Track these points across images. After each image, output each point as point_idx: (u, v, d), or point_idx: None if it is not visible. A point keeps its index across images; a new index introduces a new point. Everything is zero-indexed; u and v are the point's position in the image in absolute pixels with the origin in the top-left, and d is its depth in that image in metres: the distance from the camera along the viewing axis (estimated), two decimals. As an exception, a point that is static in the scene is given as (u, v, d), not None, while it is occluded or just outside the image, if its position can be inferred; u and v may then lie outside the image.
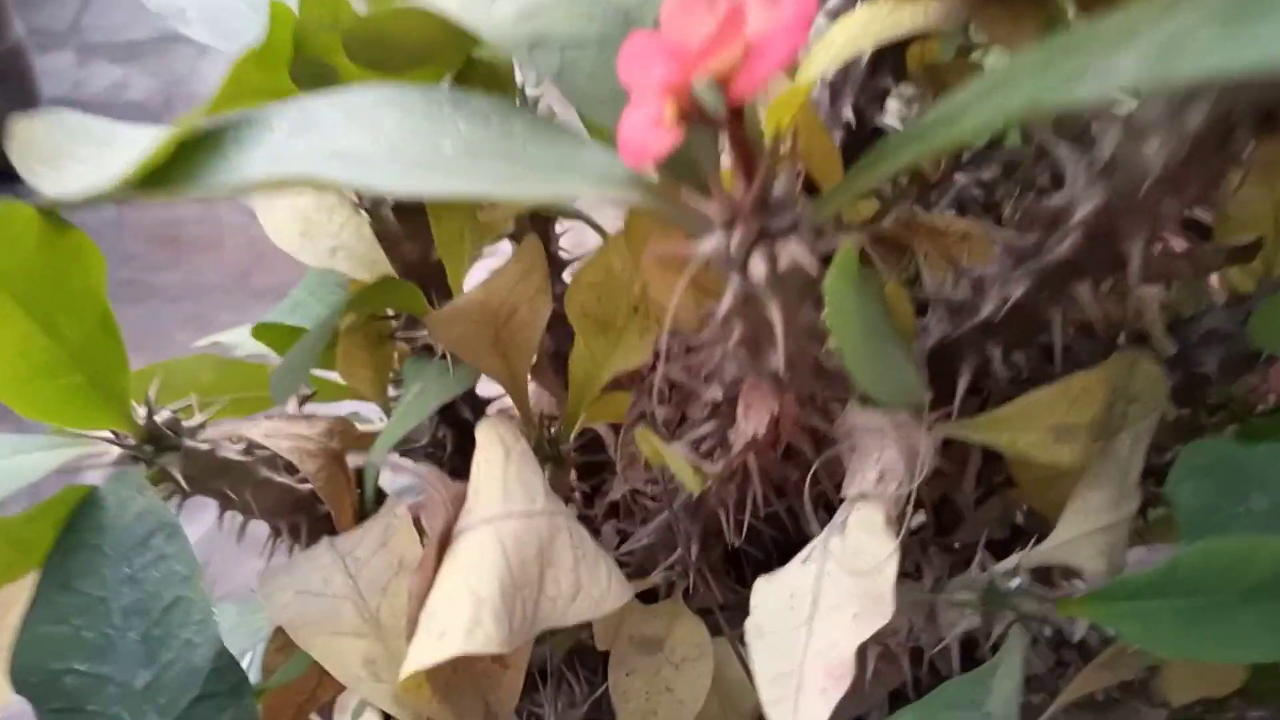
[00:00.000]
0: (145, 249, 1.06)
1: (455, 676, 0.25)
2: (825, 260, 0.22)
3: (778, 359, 0.23)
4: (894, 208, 0.38)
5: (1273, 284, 0.34)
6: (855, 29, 0.28)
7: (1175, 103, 0.22)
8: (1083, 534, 0.29)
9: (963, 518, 0.38)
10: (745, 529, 0.31)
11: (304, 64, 0.30)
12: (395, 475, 0.48)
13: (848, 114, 0.36)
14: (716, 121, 0.20)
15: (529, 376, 0.45)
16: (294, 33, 0.28)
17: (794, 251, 0.21)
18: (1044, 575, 0.32)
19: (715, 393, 0.25)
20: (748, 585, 0.39)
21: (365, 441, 0.40)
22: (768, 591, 0.23)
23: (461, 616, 0.23)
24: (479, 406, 0.43)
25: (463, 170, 0.22)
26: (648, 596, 0.36)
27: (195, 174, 0.23)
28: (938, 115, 0.20)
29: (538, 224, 0.46)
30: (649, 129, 0.21)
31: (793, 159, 0.21)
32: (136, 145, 0.23)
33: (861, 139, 0.37)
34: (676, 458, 0.24)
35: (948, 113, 0.20)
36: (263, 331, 0.43)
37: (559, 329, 0.43)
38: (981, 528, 0.38)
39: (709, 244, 0.22)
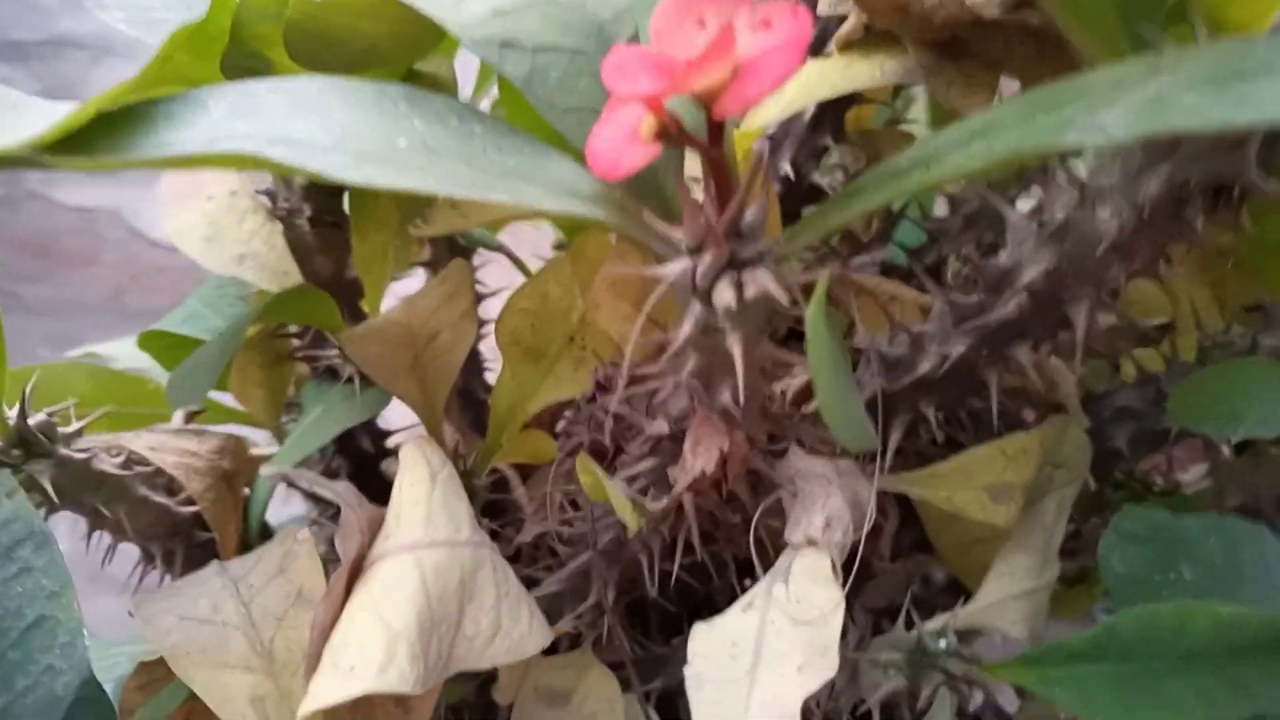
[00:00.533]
0: (13, 258, 0.99)
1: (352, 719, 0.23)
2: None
3: (733, 393, 0.22)
4: (827, 263, 0.38)
5: (1183, 366, 0.35)
6: (810, 80, 0.28)
7: (1132, 170, 0.23)
8: (1007, 597, 0.29)
9: (873, 578, 0.38)
10: (665, 578, 0.29)
11: (237, 55, 0.28)
12: (285, 505, 0.45)
13: (786, 168, 0.36)
14: (695, 142, 0.20)
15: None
16: (233, 18, 0.26)
17: (763, 281, 0.20)
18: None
19: (660, 427, 0.24)
20: (654, 640, 0.37)
21: (256, 465, 0.37)
22: (708, 639, 0.22)
23: (374, 652, 0.21)
24: (379, 438, 0.41)
25: (420, 167, 0.20)
26: (549, 649, 0.34)
27: (120, 144, 0.21)
28: (916, 156, 0.20)
29: (456, 251, 0.44)
30: (624, 142, 0.20)
31: (765, 190, 0.20)
32: (51, 113, 0.21)
33: (798, 193, 0.37)
34: (617, 492, 0.23)
35: (928, 154, 0.20)
36: (150, 340, 0.39)
37: (467, 365, 0.42)
38: (893, 591, 0.38)
39: (674, 268, 0.21)
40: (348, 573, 0.22)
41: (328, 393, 0.36)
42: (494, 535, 0.40)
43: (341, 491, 0.23)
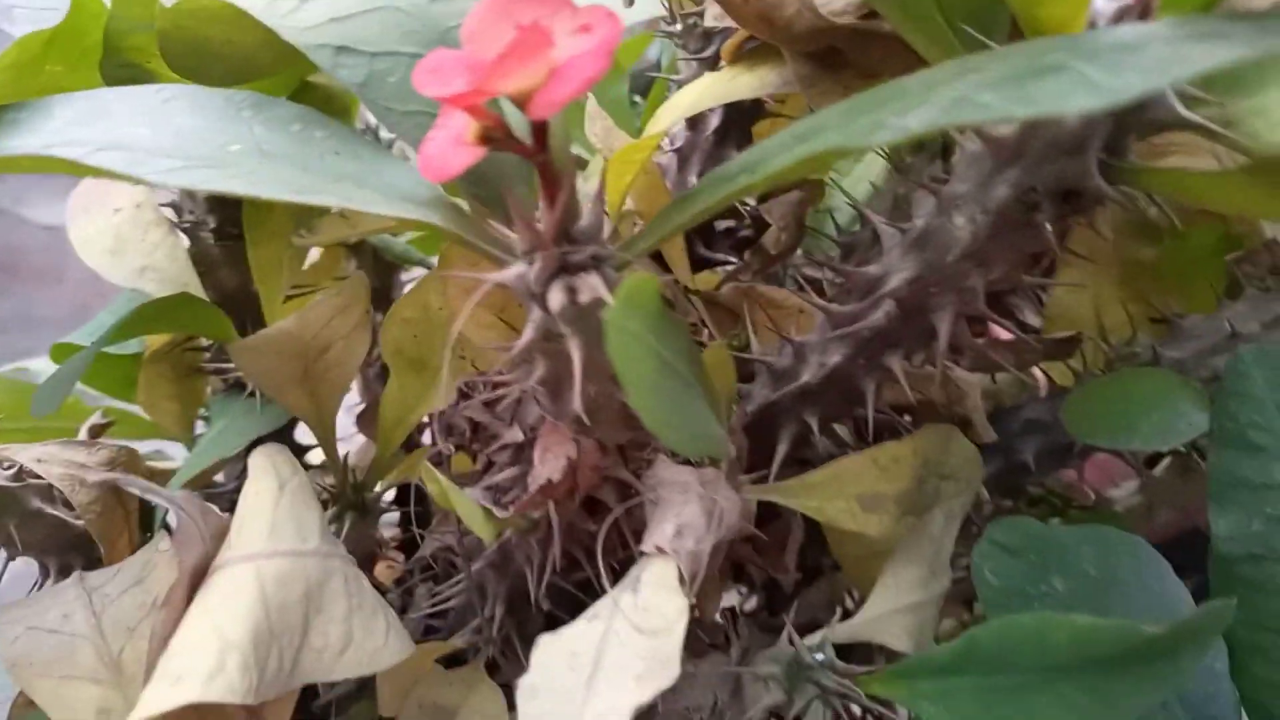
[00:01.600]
0: (-22, 274, 0.99)
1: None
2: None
3: (577, 400, 0.22)
4: (735, 279, 0.38)
5: (1091, 379, 0.35)
6: (699, 91, 0.29)
7: (984, 176, 0.23)
8: (891, 611, 0.28)
9: (792, 599, 0.37)
10: (554, 591, 0.29)
11: (115, 66, 0.28)
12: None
13: (693, 180, 0.36)
14: (519, 146, 0.20)
15: (356, 426, 0.43)
16: (105, 30, 0.26)
17: (594, 286, 0.20)
18: (866, 654, 0.32)
19: (516, 434, 0.24)
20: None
21: (160, 478, 0.37)
22: (549, 649, 0.21)
23: (204, 660, 0.20)
24: (298, 452, 0.41)
25: (248, 171, 0.20)
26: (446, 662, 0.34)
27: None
28: (747, 160, 0.20)
29: (380, 267, 0.44)
30: (450, 146, 0.20)
31: (601, 195, 0.20)
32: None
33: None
34: (466, 501, 0.23)
35: (757, 157, 0.20)
36: (60, 353, 0.39)
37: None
38: (809, 609, 0.37)
39: (509, 273, 0.21)
40: (187, 581, 0.22)
41: (232, 405, 0.36)
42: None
43: (180, 500, 0.23)
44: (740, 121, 0.36)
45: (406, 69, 0.22)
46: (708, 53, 0.34)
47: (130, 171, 0.19)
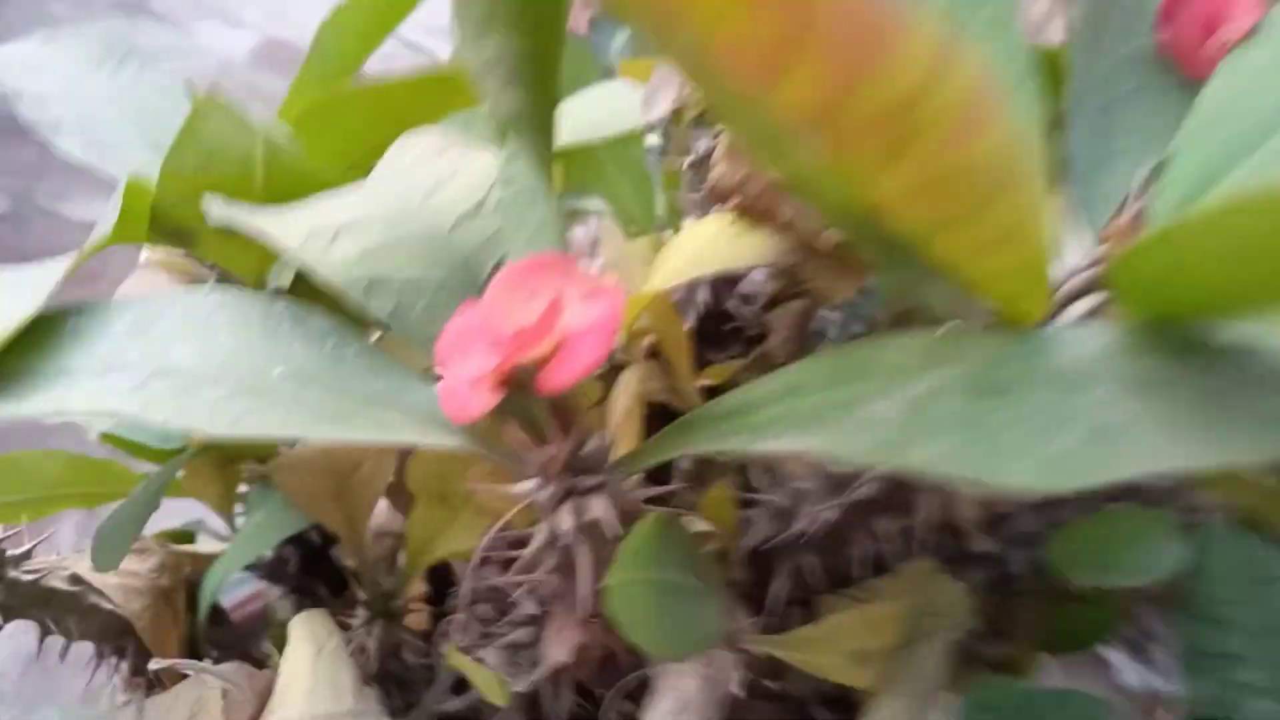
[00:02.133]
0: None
1: None
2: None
3: (585, 592, 0.24)
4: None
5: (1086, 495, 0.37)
6: (692, 254, 0.30)
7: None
8: (872, 743, 0.31)
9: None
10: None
11: (163, 229, 0.30)
12: (232, 589, 0.47)
13: (704, 296, 0.38)
14: (536, 391, 0.22)
15: (386, 497, 0.45)
16: (153, 206, 0.28)
17: (598, 509, 0.22)
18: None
19: (530, 608, 0.26)
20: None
21: (204, 563, 0.40)
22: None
23: (252, 828, 0.23)
24: (326, 530, 0.44)
25: (289, 400, 0.22)
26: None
27: (22, 370, 0.23)
28: (735, 405, 0.22)
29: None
30: (470, 389, 0.22)
31: (602, 424, 0.22)
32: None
33: (716, 317, 0.39)
34: (482, 674, 0.25)
35: (746, 402, 0.22)
36: (109, 439, 0.42)
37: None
38: (805, 689, 0.40)
39: (524, 488, 0.23)
40: (237, 745, 0.25)
41: (269, 499, 0.38)
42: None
43: (229, 673, 0.26)
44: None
45: (432, 296, 0.24)
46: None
47: (181, 414, 0.21)
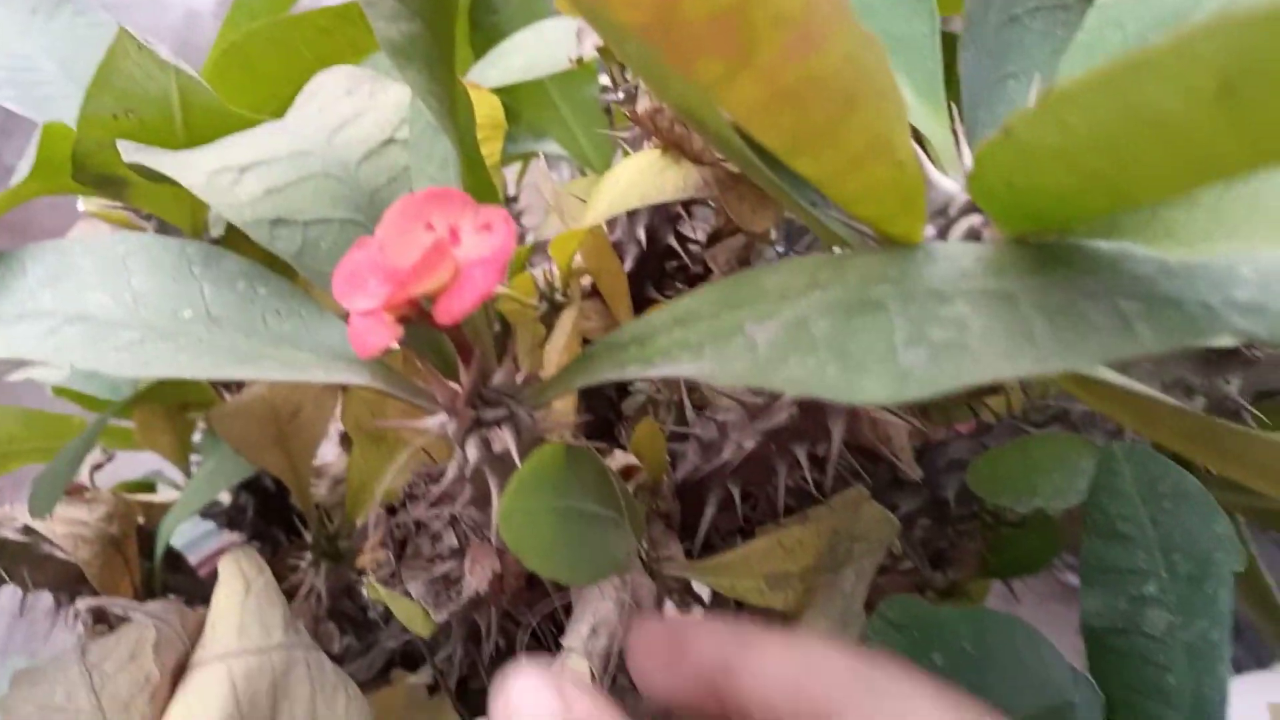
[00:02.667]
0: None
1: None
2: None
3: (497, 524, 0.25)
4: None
5: (1009, 423, 0.37)
6: (620, 189, 0.30)
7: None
8: (803, 660, 0.31)
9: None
10: (505, 630, 0.32)
11: (86, 174, 0.30)
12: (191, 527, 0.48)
13: (640, 233, 0.38)
14: (435, 324, 0.22)
15: (340, 445, 0.46)
16: (72, 152, 0.29)
17: (505, 439, 0.23)
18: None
19: (453, 540, 0.27)
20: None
21: (159, 512, 0.41)
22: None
23: (183, 754, 0.24)
24: (281, 491, 0.44)
25: (196, 341, 0.23)
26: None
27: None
28: (633, 334, 0.22)
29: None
30: (373, 326, 0.22)
31: (511, 354, 0.23)
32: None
33: (655, 255, 0.39)
34: (404, 605, 0.26)
35: (643, 333, 0.22)
36: (63, 391, 0.43)
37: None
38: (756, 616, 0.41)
39: (432, 423, 0.24)
40: (170, 678, 0.25)
41: (219, 448, 0.39)
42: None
43: (158, 611, 0.26)
44: (685, 176, 0.38)
45: (338, 234, 0.24)
46: (649, 119, 0.35)
47: (87, 365, 0.21)
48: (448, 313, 0.20)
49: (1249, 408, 0.34)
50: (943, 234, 0.22)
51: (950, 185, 0.22)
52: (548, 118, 0.57)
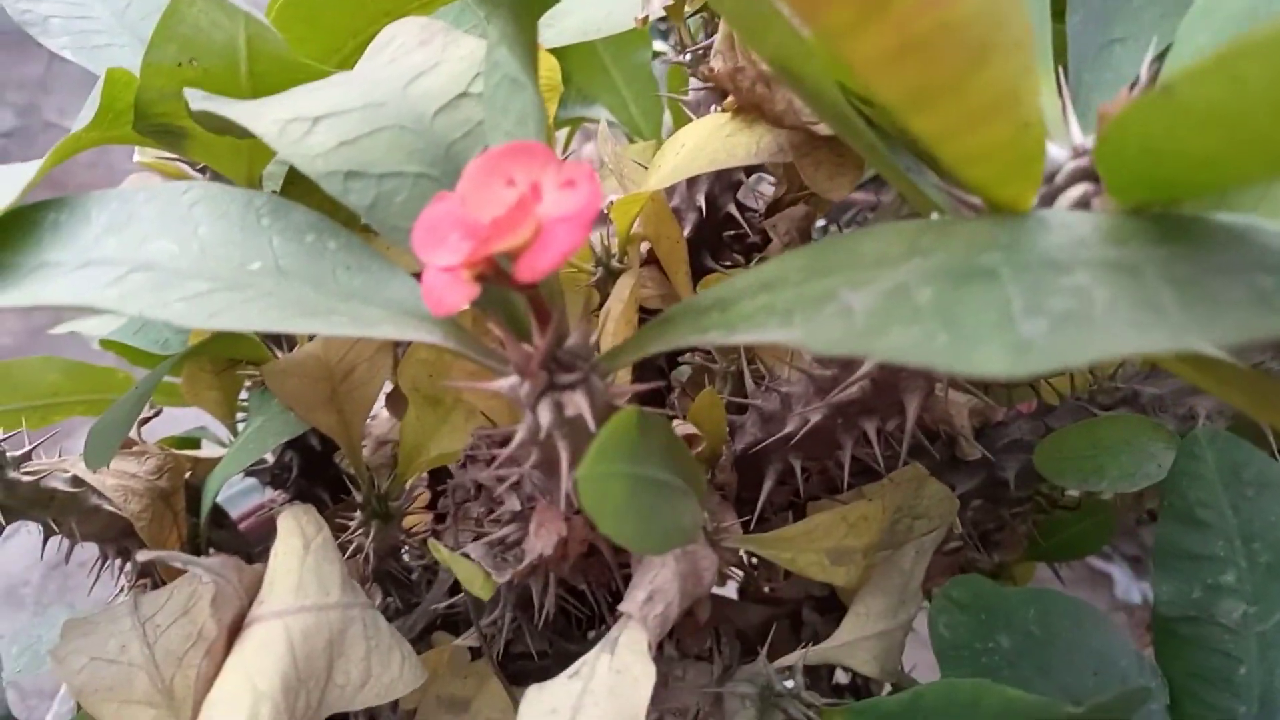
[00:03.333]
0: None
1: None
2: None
3: (567, 486, 0.24)
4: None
5: (1074, 403, 0.37)
6: (688, 152, 0.30)
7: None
8: (860, 638, 0.31)
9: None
10: (557, 598, 0.32)
11: (147, 125, 0.29)
12: (241, 499, 0.48)
13: (700, 200, 0.37)
14: (513, 284, 0.21)
15: (385, 405, 0.45)
16: (135, 100, 0.28)
17: (578, 403, 0.22)
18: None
19: (515, 504, 0.26)
20: (571, 638, 0.40)
21: (205, 467, 0.40)
22: (534, 703, 0.24)
23: (239, 711, 0.24)
24: (326, 435, 0.44)
25: (266, 293, 0.22)
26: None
27: (3, 263, 0.23)
28: (714, 299, 0.22)
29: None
30: (449, 283, 0.21)
31: (586, 317, 0.22)
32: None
33: (713, 223, 0.39)
34: (465, 566, 0.25)
35: (725, 297, 0.22)
36: (110, 345, 0.42)
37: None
38: (797, 592, 0.40)
39: (503, 384, 0.23)
40: (226, 634, 0.25)
41: (267, 404, 0.38)
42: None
43: (217, 566, 0.26)
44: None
45: (412, 188, 0.23)
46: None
47: (158, 308, 0.21)
48: (530, 270, 0.20)
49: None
50: (1047, 202, 0.21)
51: (1058, 152, 0.21)
52: (599, 82, 0.56)
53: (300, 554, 0.26)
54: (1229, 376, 0.19)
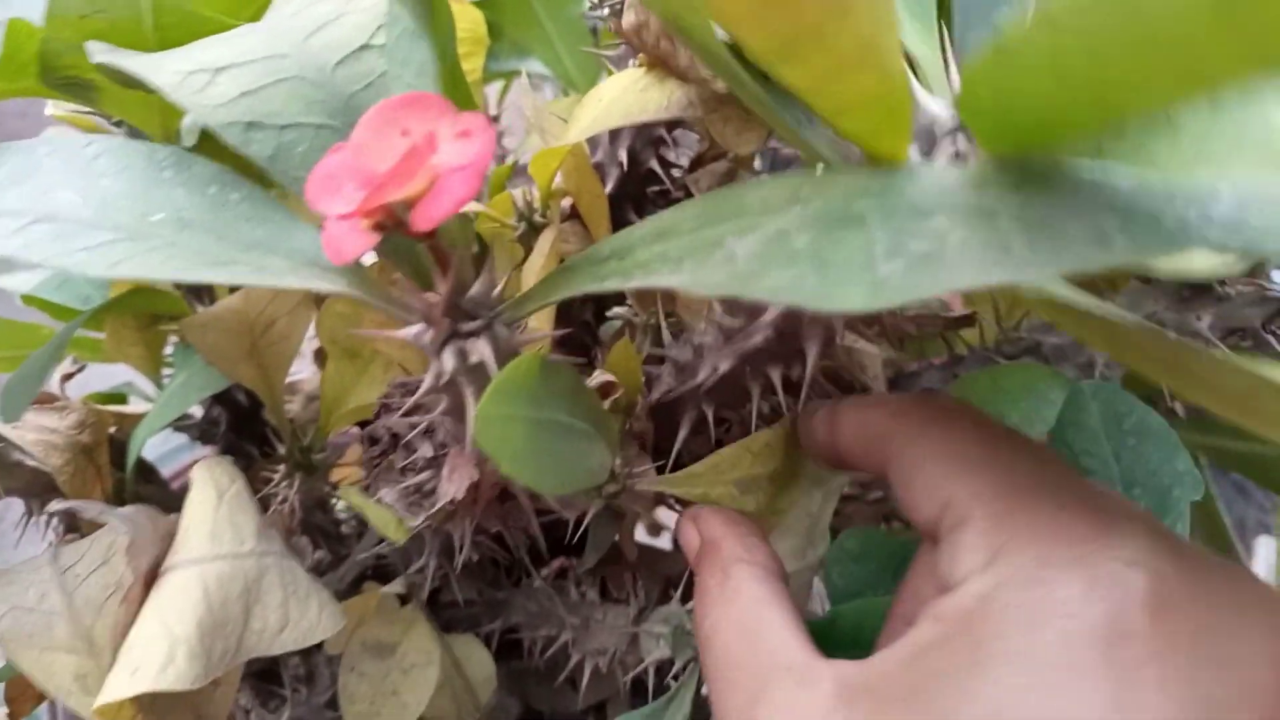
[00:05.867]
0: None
1: (161, 697, 0.26)
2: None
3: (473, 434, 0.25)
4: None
5: (981, 353, 0.38)
6: (603, 107, 0.30)
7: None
8: (771, 579, 0.32)
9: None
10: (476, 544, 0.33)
11: (54, 77, 0.29)
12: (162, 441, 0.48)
13: (622, 155, 0.38)
14: (410, 232, 0.22)
15: (315, 360, 0.45)
16: (39, 52, 0.28)
17: (481, 351, 0.23)
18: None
19: (428, 450, 0.27)
20: (500, 586, 0.41)
21: (131, 422, 0.40)
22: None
23: (156, 655, 0.24)
24: (254, 405, 0.44)
25: (167, 243, 0.22)
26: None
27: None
28: (612, 248, 0.22)
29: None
30: (348, 233, 0.22)
31: (490, 265, 0.23)
32: None
33: (636, 178, 0.39)
34: (378, 512, 0.26)
35: (623, 246, 0.22)
36: (33, 300, 0.42)
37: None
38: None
39: (409, 332, 0.23)
40: (142, 581, 0.26)
41: (191, 360, 0.39)
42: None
43: (129, 514, 0.26)
44: (668, 97, 0.37)
45: (312, 139, 0.23)
46: (633, 37, 0.35)
47: (54, 263, 0.21)
48: (425, 218, 0.20)
49: (1219, 344, 0.34)
50: (927, 155, 0.22)
51: (937, 107, 0.21)
52: (532, 35, 0.56)
53: (214, 503, 0.27)
54: (1090, 321, 0.20)
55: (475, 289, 0.23)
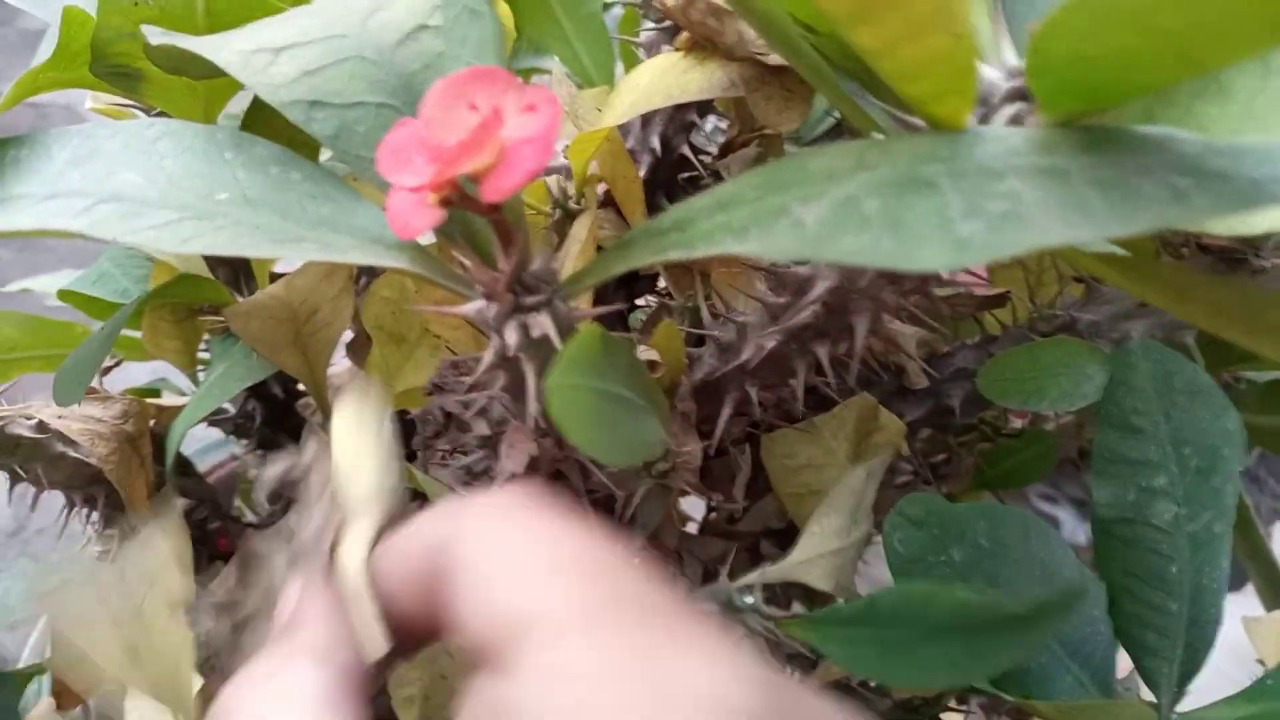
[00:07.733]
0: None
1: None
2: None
3: (534, 407, 0.25)
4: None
5: (1016, 332, 0.38)
6: (643, 89, 0.30)
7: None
8: (816, 556, 0.32)
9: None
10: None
11: (104, 67, 0.29)
12: (208, 453, 0.48)
13: (655, 142, 0.38)
14: (477, 207, 0.22)
15: (346, 352, 0.46)
16: (91, 40, 0.28)
17: (544, 324, 0.23)
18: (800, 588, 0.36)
19: (484, 429, 0.27)
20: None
21: (169, 415, 0.41)
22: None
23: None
24: (289, 383, 0.44)
25: (235, 222, 0.23)
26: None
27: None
28: (674, 220, 0.22)
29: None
30: (413, 207, 0.22)
31: (552, 240, 0.23)
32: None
33: (668, 164, 0.39)
34: (437, 489, 0.26)
35: (683, 218, 0.22)
36: (67, 295, 0.42)
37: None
38: (761, 517, 0.42)
39: (470, 308, 0.24)
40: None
41: (230, 350, 0.39)
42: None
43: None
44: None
45: (375, 118, 0.24)
46: (667, 22, 0.35)
47: (125, 238, 0.21)
48: (496, 190, 0.20)
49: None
50: (984, 122, 0.22)
51: (992, 73, 0.22)
52: (550, 33, 0.56)
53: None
54: (1151, 273, 0.20)
55: (536, 264, 0.23)
